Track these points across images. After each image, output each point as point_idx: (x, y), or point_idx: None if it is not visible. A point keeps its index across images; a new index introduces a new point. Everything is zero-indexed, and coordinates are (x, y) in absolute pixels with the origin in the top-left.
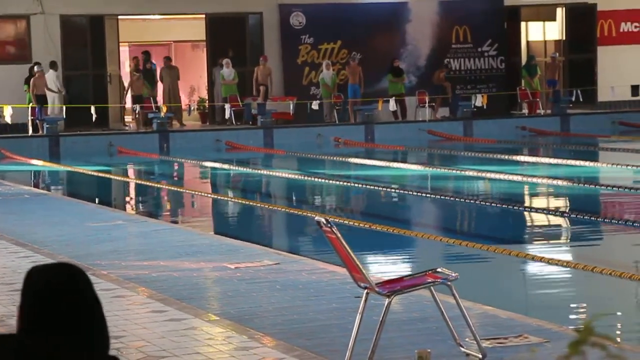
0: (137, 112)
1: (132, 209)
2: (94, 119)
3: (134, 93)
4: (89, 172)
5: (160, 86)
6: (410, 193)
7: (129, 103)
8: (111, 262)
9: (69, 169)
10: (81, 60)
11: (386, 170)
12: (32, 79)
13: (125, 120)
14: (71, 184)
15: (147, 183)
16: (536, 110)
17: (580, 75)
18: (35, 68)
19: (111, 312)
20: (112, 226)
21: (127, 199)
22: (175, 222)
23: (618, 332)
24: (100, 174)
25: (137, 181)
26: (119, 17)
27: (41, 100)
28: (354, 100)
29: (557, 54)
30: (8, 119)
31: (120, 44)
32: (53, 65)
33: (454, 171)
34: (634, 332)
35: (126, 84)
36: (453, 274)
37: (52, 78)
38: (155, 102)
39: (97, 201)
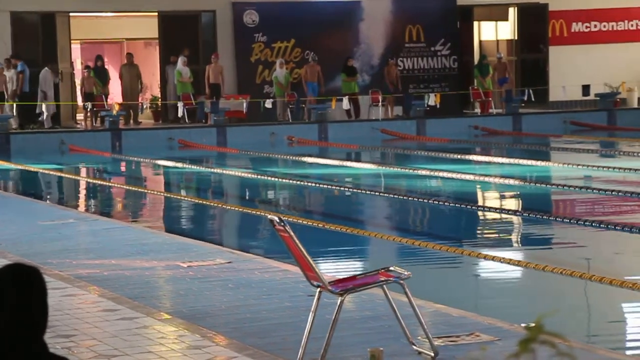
0: (88, 109)
1: (84, 208)
2: (45, 116)
3: (85, 91)
4: (40, 170)
5: (116, 84)
6: (364, 192)
7: (80, 101)
8: (62, 261)
9: (20, 167)
10: (32, 57)
11: (340, 169)
12: None
13: (77, 118)
14: (22, 182)
15: (99, 181)
16: (488, 110)
17: (532, 74)
18: None
19: (62, 311)
20: (63, 224)
21: (79, 197)
22: (127, 221)
23: (568, 330)
24: (52, 172)
25: (89, 179)
26: (71, 14)
27: None
28: (309, 98)
29: (502, 53)
30: None
31: (72, 41)
32: (52, 65)
33: (407, 170)
34: (584, 330)
35: (78, 82)
36: (405, 273)
37: (47, 77)
38: (107, 100)
39: (48, 199)
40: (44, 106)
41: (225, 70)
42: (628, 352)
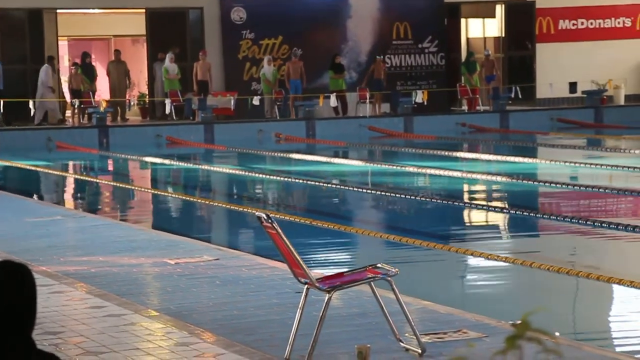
0: (75, 106)
1: (71, 205)
2: (32, 113)
3: (73, 87)
4: (28, 167)
5: (104, 81)
6: (351, 189)
7: (67, 98)
8: (49, 258)
9: (7, 163)
10: (20, 54)
11: (327, 166)
12: None
13: (65, 114)
14: (9, 179)
15: (86, 178)
16: (476, 107)
17: (519, 72)
18: None
19: (49, 308)
20: (51, 221)
21: (66, 194)
22: (115, 218)
23: (554, 327)
24: (39, 169)
25: (76, 176)
26: (58, 11)
27: None
28: (295, 95)
29: (490, 51)
30: None
31: (59, 38)
32: (50, 60)
33: (394, 167)
34: (571, 326)
35: (65, 79)
36: (393, 270)
37: (49, 73)
38: (94, 96)
39: (35, 196)
40: (31, 103)
41: (213, 67)
42: (614, 349)
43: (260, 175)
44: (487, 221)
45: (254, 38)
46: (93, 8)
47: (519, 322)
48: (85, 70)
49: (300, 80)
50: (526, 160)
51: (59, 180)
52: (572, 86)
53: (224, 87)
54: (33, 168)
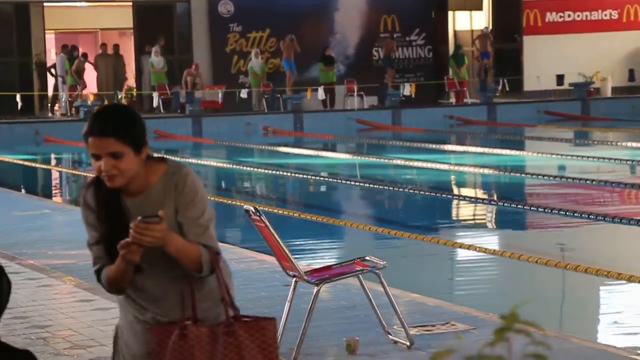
0: (62, 100)
1: (59, 198)
2: (19, 106)
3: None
4: (15, 161)
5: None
6: (339, 182)
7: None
8: (37, 251)
9: None
10: (6, 47)
11: (315, 159)
12: None
13: (53, 108)
14: None
15: (75, 172)
16: (463, 100)
17: (506, 64)
18: None
19: (37, 302)
20: (39, 215)
21: (54, 187)
22: None
23: (543, 319)
24: (27, 163)
25: (64, 170)
26: (45, 4)
27: None
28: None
29: (489, 27)
30: None
31: (46, 31)
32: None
33: (382, 160)
34: (559, 318)
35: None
36: (381, 262)
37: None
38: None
39: (23, 190)
40: (18, 96)
41: (201, 61)
42: (602, 341)
43: (248, 169)
44: (475, 213)
45: (241, 31)
46: (80, 1)
47: (507, 314)
48: (73, 64)
49: (294, 61)
50: (513, 152)
51: (47, 173)
52: (559, 78)
53: (212, 81)
54: (20, 161)
